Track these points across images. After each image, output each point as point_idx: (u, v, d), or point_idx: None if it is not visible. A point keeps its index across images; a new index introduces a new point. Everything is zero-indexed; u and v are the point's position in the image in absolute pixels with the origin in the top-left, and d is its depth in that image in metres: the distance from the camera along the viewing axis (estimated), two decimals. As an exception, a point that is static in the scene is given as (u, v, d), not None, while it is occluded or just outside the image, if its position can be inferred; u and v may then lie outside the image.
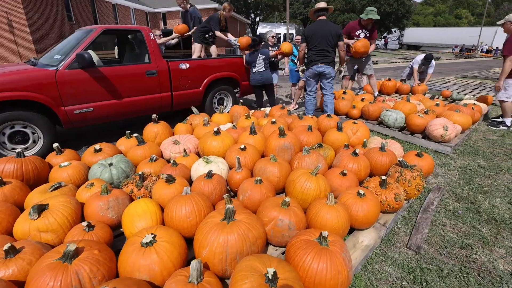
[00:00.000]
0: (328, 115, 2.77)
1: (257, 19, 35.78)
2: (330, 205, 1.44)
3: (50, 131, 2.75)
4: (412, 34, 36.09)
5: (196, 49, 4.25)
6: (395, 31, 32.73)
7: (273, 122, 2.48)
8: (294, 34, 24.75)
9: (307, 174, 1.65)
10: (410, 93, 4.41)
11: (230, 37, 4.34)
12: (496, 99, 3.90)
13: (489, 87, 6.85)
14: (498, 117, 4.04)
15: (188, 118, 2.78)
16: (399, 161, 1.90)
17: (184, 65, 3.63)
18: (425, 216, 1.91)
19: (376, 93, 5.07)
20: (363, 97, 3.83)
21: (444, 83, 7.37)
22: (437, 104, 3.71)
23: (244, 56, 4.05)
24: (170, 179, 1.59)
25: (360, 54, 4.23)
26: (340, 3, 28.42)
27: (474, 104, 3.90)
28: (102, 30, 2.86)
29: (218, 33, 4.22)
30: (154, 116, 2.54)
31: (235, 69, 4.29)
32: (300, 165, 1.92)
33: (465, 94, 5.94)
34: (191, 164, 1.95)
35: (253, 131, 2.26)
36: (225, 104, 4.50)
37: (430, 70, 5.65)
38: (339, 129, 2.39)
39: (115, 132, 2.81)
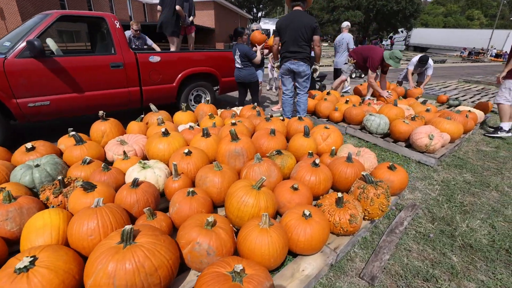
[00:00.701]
0: (300, 118, 2.54)
1: (260, 14, 35.23)
2: (262, 228, 1.22)
3: (2, 124, 2.57)
4: (420, 35, 35.12)
5: (175, 42, 4.03)
6: (402, 31, 31.83)
7: (233, 124, 2.25)
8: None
9: (247, 187, 1.43)
10: (401, 97, 4.12)
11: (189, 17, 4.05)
12: (494, 102, 3.66)
13: (492, 93, 6.50)
14: (496, 128, 3.74)
15: (143, 115, 2.56)
16: (363, 175, 1.66)
17: (155, 58, 3.41)
18: (390, 239, 1.68)
19: (368, 96, 4.79)
20: (347, 99, 3.56)
21: (444, 87, 7.03)
22: (427, 110, 3.43)
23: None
24: (87, 187, 1.38)
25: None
26: (346, -1, 27.66)
27: (469, 111, 3.61)
28: (59, 16, 2.64)
29: (178, 7, 3.89)
30: (101, 113, 2.33)
31: (214, 64, 4.04)
32: (248, 175, 1.70)
33: (464, 100, 5.63)
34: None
35: (205, 133, 2.04)
36: (202, 101, 4.28)
37: (429, 72, 5.31)
38: (306, 134, 2.15)
39: (80, 129, 2.63)
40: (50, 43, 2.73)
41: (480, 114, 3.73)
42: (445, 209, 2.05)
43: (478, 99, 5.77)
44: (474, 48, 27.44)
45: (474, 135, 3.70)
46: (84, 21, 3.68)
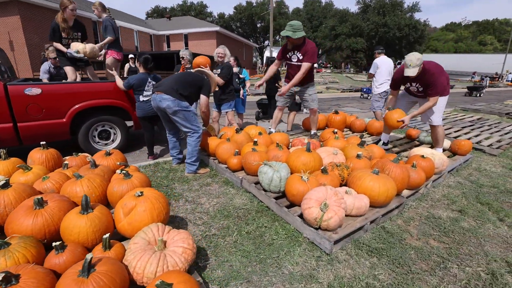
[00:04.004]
0: (126, 175, 1.78)
1: (266, 42, 36.92)
2: None
3: None
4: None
5: (68, 72, 3.60)
6: (408, 58, 31.41)
7: (4, 186, 1.54)
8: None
9: None
10: (337, 136, 3.23)
11: (71, 49, 3.48)
12: (430, 124, 3.23)
13: (488, 125, 5.38)
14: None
15: None
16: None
17: (33, 90, 2.98)
18: None
19: (313, 131, 3.99)
20: (256, 140, 2.77)
21: (429, 118, 5.99)
22: (358, 156, 2.52)
23: (128, 79, 3.23)
24: None
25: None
26: (347, 27, 28.17)
27: (422, 156, 2.65)
28: None
29: (56, 44, 3.47)
30: None
31: (123, 96, 3.56)
32: None
33: (448, 134, 4.58)
34: None
35: None
36: (112, 138, 3.71)
37: (371, 70, 4.77)
38: (83, 208, 1.38)
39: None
40: None
41: (440, 161, 2.74)
42: None
43: (466, 133, 4.70)
44: (487, 76, 25.94)
45: (436, 189, 2.69)
46: None
